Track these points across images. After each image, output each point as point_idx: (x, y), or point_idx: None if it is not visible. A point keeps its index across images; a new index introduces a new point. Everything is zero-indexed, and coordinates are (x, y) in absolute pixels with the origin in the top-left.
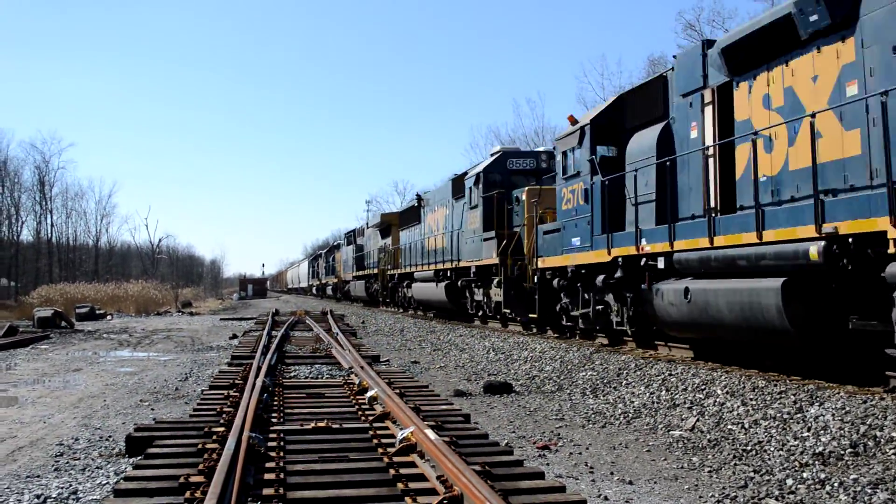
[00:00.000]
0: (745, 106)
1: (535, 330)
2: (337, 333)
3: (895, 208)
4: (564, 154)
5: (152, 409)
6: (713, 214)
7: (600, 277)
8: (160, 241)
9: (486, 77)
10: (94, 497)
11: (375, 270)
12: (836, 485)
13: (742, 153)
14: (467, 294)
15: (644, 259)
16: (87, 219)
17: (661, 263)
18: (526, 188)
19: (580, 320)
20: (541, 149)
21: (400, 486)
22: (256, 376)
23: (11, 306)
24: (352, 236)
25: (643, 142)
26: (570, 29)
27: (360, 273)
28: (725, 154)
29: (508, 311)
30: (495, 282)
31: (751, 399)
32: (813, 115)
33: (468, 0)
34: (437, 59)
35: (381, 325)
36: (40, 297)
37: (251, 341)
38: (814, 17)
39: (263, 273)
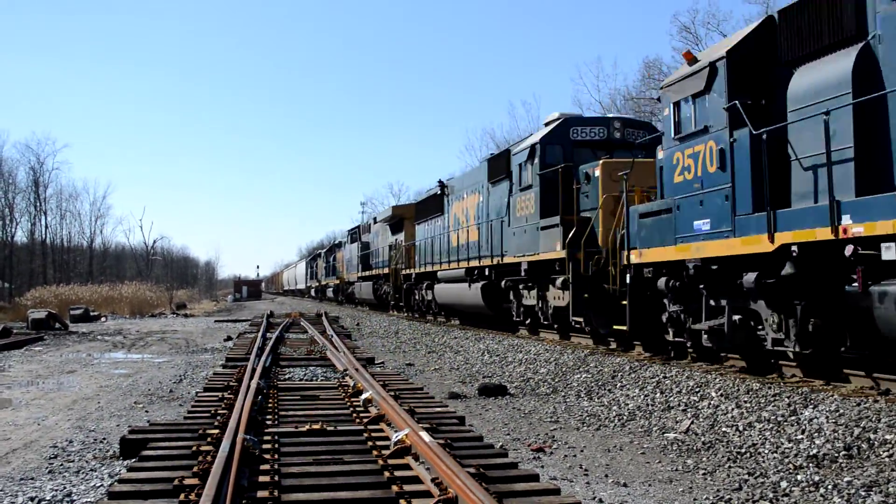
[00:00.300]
0: None
1: (614, 345)
2: (332, 335)
3: None
4: (677, 106)
5: (146, 412)
6: None
7: (750, 276)
8: (155, 242)
9: (481, 79)
10: (89, 499)
11: (386, 270)
12: (829, 487)
13: None
14: (512, 297)
15: (851, 247)
16: (81, 220)
17: (891, 252)
18: (600, 161)
19: (704, 336)
20: (612, 114)
21: (395, 488)
22: (251, 378)
23: (5, 308)
24: (356, 233)
25: (826, 76)
26: (565, 31)
27: (367, 273)
28: None
29: (578, 319)
30: (559, 282)
31: (745, 401)
32: None
33: (463, 3)
34: (432, 62)
35: (376, 327)
36: (34, 299)
37: (246, 343)
38: None
39: (258, 275)
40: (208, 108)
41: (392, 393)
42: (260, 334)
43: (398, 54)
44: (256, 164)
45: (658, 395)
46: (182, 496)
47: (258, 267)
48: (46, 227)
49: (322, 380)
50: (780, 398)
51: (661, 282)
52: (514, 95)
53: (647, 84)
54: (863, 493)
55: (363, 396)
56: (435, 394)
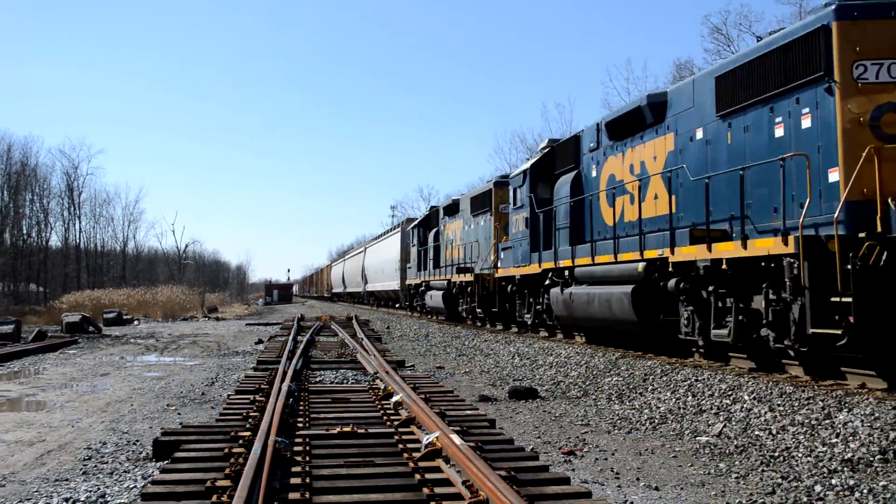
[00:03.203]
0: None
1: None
2: (361, 338)
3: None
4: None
5: (179, 414)
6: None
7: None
8: (186, 246)
9: (510, 83)
10: (122, 501)
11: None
12: (865, 491)
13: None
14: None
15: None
16: (114, 225)
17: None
18: None
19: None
20: None
21: (425, 490)
22: (282, 381)
23: (40, 311)
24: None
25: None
26: (596, 34)
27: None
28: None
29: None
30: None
31: (778, 405)
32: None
33: (494, 6)
34: (463, 66)
35: (406, 330)
36: (70, 303)
37: (277, 346)
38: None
39: (289, 279)
40: (241, 114)
41: (422, 395)
42: (291, 338)
43: (430, 58)
44: (288, 168)
45: (690, 398)
46: (214, 497)
47: (289, 271)
48: (80, 231)
49: (352, 382)
50: (814, 401)
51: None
52: (542, 98)
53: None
54: None
55: (394, 399)
56: (465, 397)
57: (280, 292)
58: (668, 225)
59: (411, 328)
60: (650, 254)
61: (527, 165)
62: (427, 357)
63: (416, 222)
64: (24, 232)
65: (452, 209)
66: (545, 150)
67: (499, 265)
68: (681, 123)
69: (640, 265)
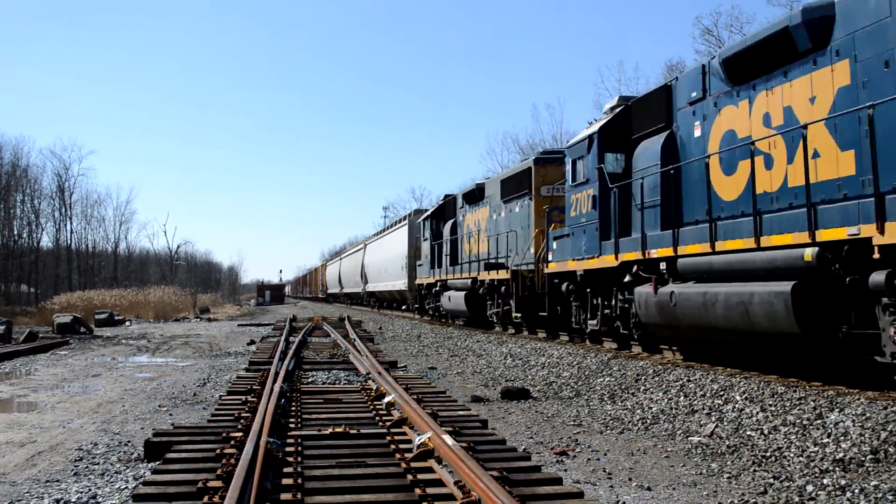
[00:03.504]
0: None
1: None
2: (354, 339)
3: None
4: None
5: (171, 415)
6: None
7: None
8: (178, 247)
9: (502, 84)
10: (114, 502)
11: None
12: (856, 491)
13: None
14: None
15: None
16: (105, 225)
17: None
18: None
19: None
20: None
21: (417, 491)
22: (274, 382)
23: (31, 312)
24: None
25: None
26: (587, 35)
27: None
28: None
29: None
30: None
31: (770, 405)
32: None
33: (485, 7)
34: (454, 67)
35: (399, 331)
36: (61, 304)
37: (269, 347)
38: None
39: (281, 279)
40: (232, 115)
41: (414, 396)
42: (283, 338)
43: (421, 59)
44: (280, 169)
45: (682, 398)
46: (206, 498)
47: (280, 271)
48: (72, 232)
49: (345, 383)
50: (806, 402)
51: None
52: (535, 99)
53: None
54: (890, 498)
55: (386, 399)
56: (458, 397)
57: (272, 293)
58: (858, 189)
59: (403, 329)
60: (829, 234)
61: (592, 129)
62: (419, 358)
63: (427, 213)
64: (15, 233)
65: (474, 196)
66: (617, 110)
67: (550, 258)
68: (861, 46)
69: (810, 251)
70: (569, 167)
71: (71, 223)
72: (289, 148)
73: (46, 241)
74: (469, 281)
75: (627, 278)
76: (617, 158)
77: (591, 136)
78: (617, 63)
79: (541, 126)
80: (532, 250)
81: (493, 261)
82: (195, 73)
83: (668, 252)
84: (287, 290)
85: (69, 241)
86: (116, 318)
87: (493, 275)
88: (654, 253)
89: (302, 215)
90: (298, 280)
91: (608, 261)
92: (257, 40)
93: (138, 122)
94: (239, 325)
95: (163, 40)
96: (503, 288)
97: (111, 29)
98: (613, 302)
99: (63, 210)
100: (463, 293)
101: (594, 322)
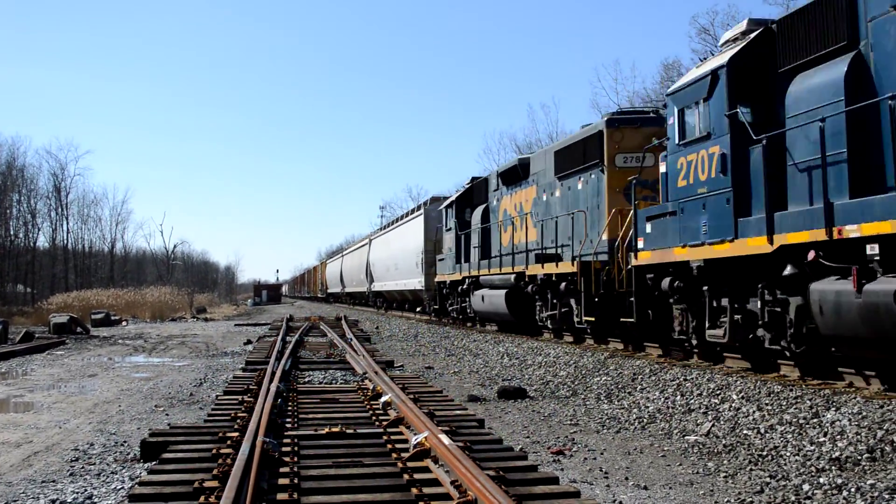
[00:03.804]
0: None
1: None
2: (350, 339)
3: None
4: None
5: (167, 415)
6: None
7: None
8: (175, 247)
9: (499, 83)
10: (110, 502)
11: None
12: (853, 490)
13: None
14: None
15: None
16: (102, 225)
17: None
18: None
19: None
20: None
21: (414, 490)
22: (270, 381)
23: (28, 312)
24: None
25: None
26: (584, 34)
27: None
28: None
29: None
30: None
31: (766, 404)
32: None
33: (481, 6)
34: (450, 66)
35: (395, 331)
36: (58, 304)
37: (265, 347)
38: None
39: (278, 279)
40: (229, 114)
41: (411, 396)
42: (279, 338)
43: (418, 58)
44: (277, 168)
45: (678, 397)
46: (202, 498)
47: (277, 271)
48: (68, 232)
49: (341, 383)
50: (802, 400)
51: None
52: (532, 98)
53: (666, 86)
54: (886, 496)
55: (382, 399)
56: (454, 396)
57: (269, 293)
58: None
59: (401, 328)
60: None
61: (716, 62)
62: (416, 357)
63: (450, 199)
64: (12, 233)
65: (515, 174)
66: (751, 35)
67: (640, 246)
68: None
69: None
70: (674, 120)
71: (67, 223)
72: (286, 148)
73: (43, 241)
74: (512, 277)
75: (789, 270)
76: (754, 102)
77: (713, 73)
78: (613, 62)
79: (537, 125)
80: (605, 237)
81: (543, 251)
82: (191, 73)
83: (886, 228)
84: (284, 289)
85: (65, 241)
86: (113, 318)
87: (550, 269)
88: (854, 230)
89: (299, 215)
90: (296, 279)
91: (754, 245)
92: (251, 38)
93: (135, 122)
94: (235, 325)
95: (160, 39)
96: (563, 285)
97: (108, 28)
98: (759, 305)
99: (59, 210)
100: (503, 292)
101: (717, 333)
